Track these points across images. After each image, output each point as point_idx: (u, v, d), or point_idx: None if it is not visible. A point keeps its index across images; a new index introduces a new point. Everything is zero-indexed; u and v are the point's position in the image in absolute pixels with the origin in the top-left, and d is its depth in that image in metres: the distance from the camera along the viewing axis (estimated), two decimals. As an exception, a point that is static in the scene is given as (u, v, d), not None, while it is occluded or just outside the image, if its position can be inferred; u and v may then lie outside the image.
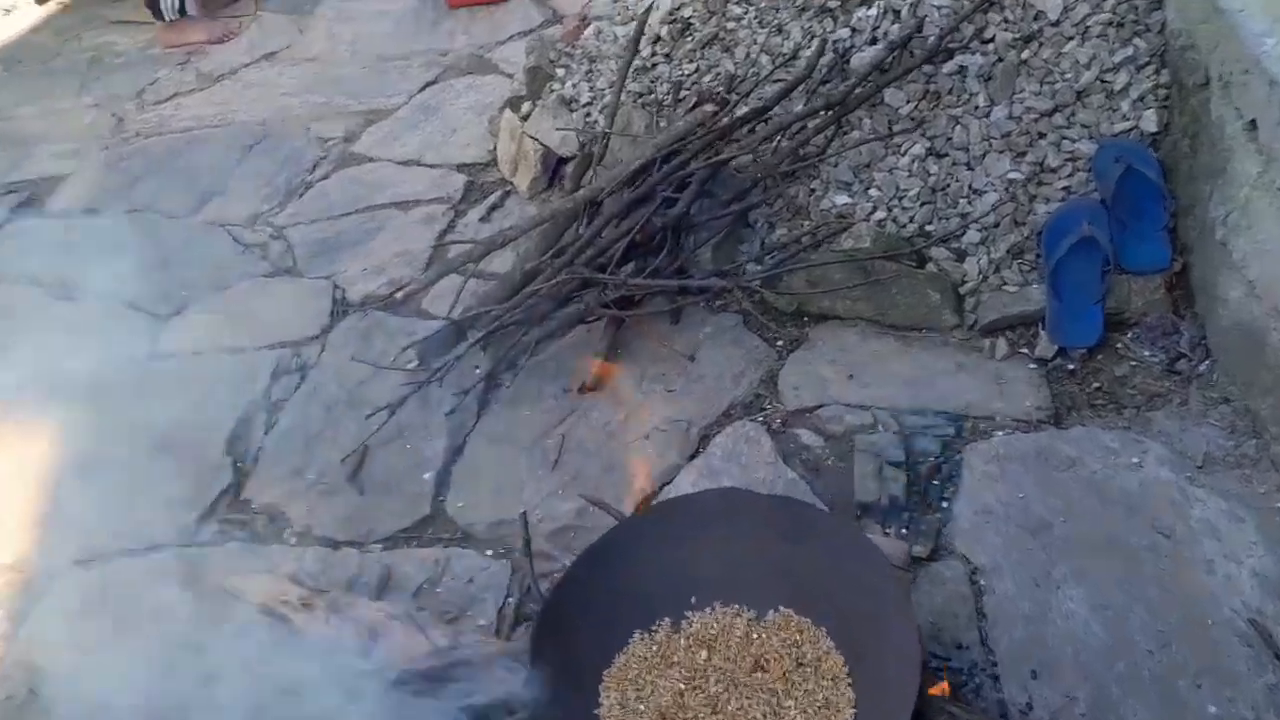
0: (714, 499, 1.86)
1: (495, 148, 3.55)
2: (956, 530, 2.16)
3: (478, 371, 2.66)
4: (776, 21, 3.11)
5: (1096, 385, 2.44)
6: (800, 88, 2.82)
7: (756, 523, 1.76)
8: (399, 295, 2.78)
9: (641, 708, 1.62)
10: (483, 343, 2.65)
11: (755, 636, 1.70)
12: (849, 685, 1.60)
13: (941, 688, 1.58)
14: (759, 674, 1.64)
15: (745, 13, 3.17)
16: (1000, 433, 2.36)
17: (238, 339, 2.97)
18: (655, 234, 2.64)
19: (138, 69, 4.71)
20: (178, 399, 2.78)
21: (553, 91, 3.40)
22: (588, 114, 3.30)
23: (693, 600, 1.77)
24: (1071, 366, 2.49)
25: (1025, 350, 2.55)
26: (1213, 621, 1.90)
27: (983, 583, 2.05)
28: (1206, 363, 2.39)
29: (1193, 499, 2.12)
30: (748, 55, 3.09)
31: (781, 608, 1.73)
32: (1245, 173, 2.26)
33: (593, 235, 2.58)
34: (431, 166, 3.59)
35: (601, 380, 2.57)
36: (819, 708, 1.57)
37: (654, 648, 1.71)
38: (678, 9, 3.29)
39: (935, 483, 2.27)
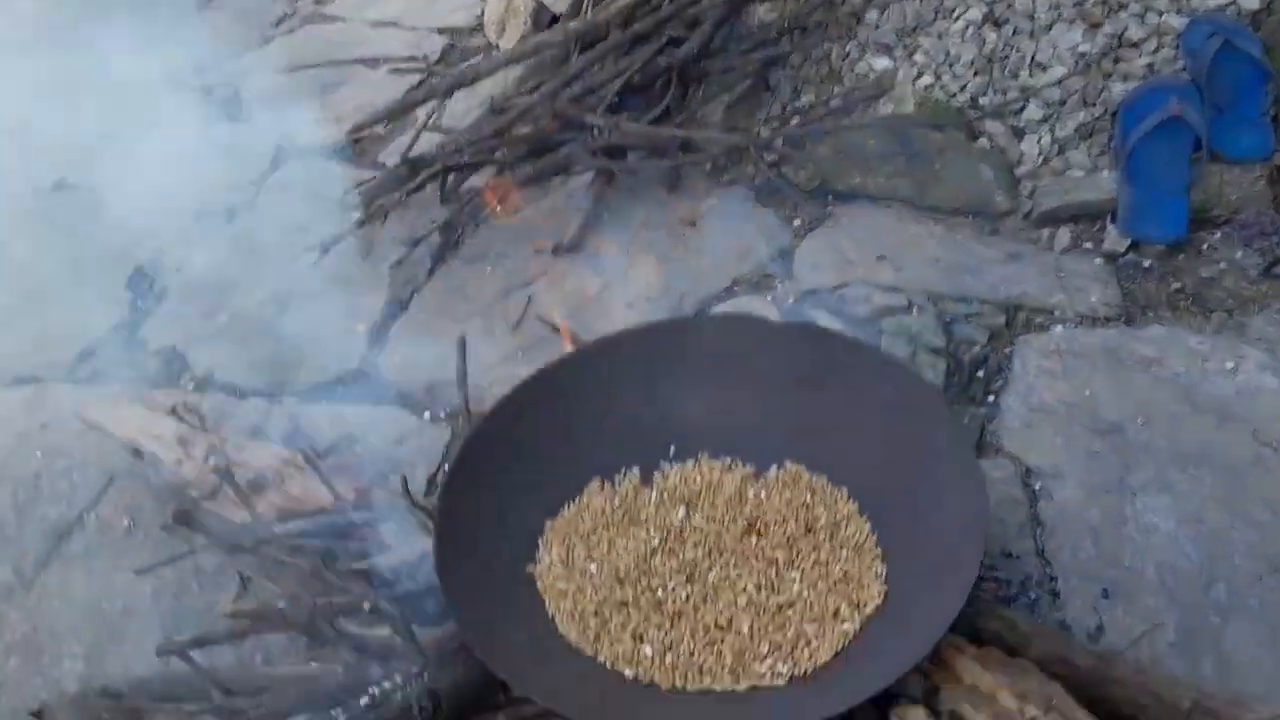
0: (710, 326, 1.44)
1: (483, 12, 3.12)
2: (1005, 428, 1.73)
3: (433, 223, 2.22)
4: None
5: (1177, 286, 2.01)
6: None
7: (765, 358, 1.33)
8: (349, 136, 2.33)
9: (593, 568, 1.18)
10: (441, 190, 2.21)
11: (751, 495, 1.26)
12: (877, 558, 1.16)
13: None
14: (753, 539, 1.20)
15: None
16: (1060, 327, 1.93)
17: (160, 178, 2.52)
18: (658, 76, 2.21)
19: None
20: (80, 231, 2.34)
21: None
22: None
23: (671, 450, 1.33)
24: (1147, 263, 2.07)
25: (1091, 244, 2.12)
26: (1337, 548, 1.47)
27: (1039, 487, 1.63)
28: (1312, 265, 1.97)
29: (1303, 410, 1.69)
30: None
31: (789, 463, 1.29)
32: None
33: (583, 68, 2.15)
34: (410, 29, 3.15)
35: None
36: (834, 582, 1.14)
37: (616, 500, 1.27)
38: None
39: (980, 375, 1.85)
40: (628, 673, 1.09)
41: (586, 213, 2.19)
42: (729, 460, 1.32)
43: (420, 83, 2.78)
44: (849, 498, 1.24)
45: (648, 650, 1.10)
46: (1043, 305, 1.98)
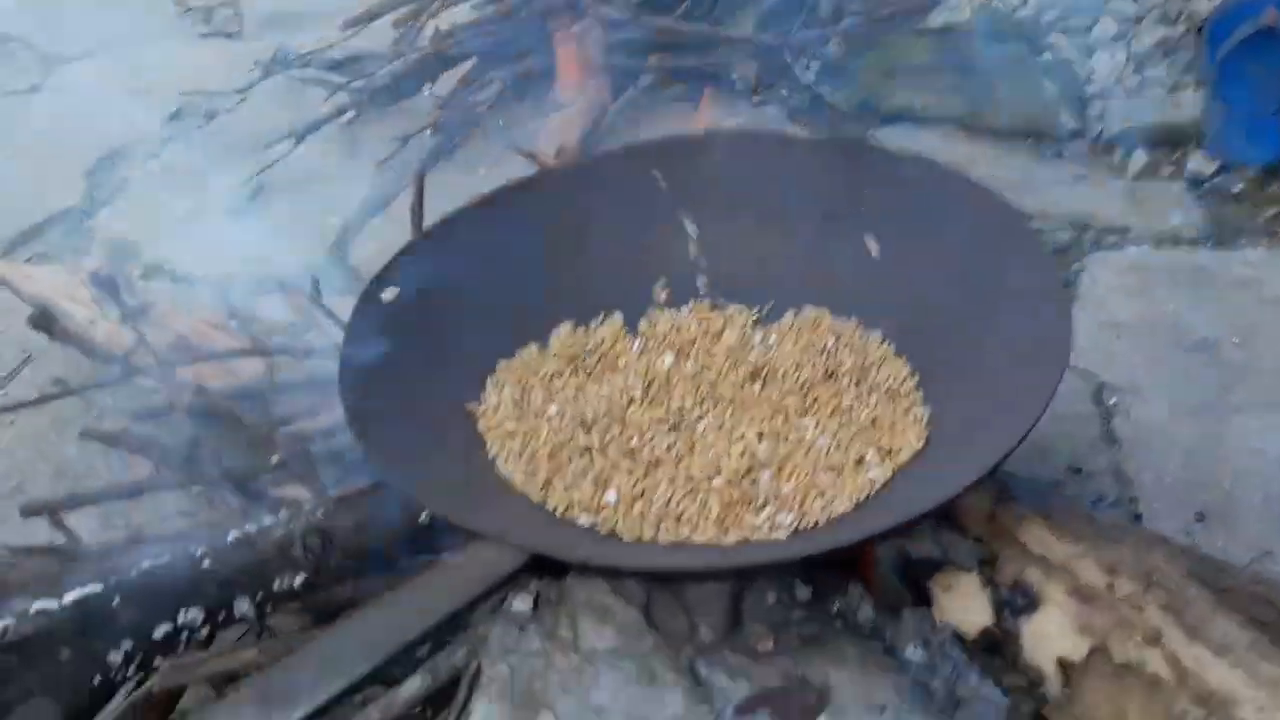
0: (716, 143, 1.17)
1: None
2: (1074, 345, 1.45)
3: (428, 122, 2.00)
4: None
5: (1275, 212, 1.73)
6: None
7: (787, 178, 1.06)
8: (344, 30, 2.13)
9: (552, 410, 0.92)
10: (432, 84, 2.00)
11: (759, 341, 1.00)
12: (917, 402, 0.90)
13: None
14: (757, 386, 0.93)
15: None
16: (1136, 247, 1.66)
17: (144, 84, 2.35)
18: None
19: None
20: (48, 127, 2.15)
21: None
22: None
23: (660, 292, 1.07)
24: (1237, 189, 1.79)
25: (1172, 169, 1.85)
26: None
27: (1114, 402, 1.35)
28: None
29: None
30: None
31: (809, 307, 1.02)
32: None
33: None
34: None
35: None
36: (859, 429, 0.87)
37: (588, 345, 1.01)
38: None
39: (1042, 288, 1.57)
40: (583, 520, 0.83)
41: (596, 120, 1.96)
42: (734, 307, 1.05)
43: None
44: (884, 340, 0.97)
45: (611, 496, 0.83)
46: (1116, 225, 1.71)
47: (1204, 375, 1.37)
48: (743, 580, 0.76)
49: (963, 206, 0.98)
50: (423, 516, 0.85)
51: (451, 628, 0.73)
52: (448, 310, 1.00)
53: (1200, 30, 1.94)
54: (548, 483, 0.86)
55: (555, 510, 0.84)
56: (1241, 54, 1.82)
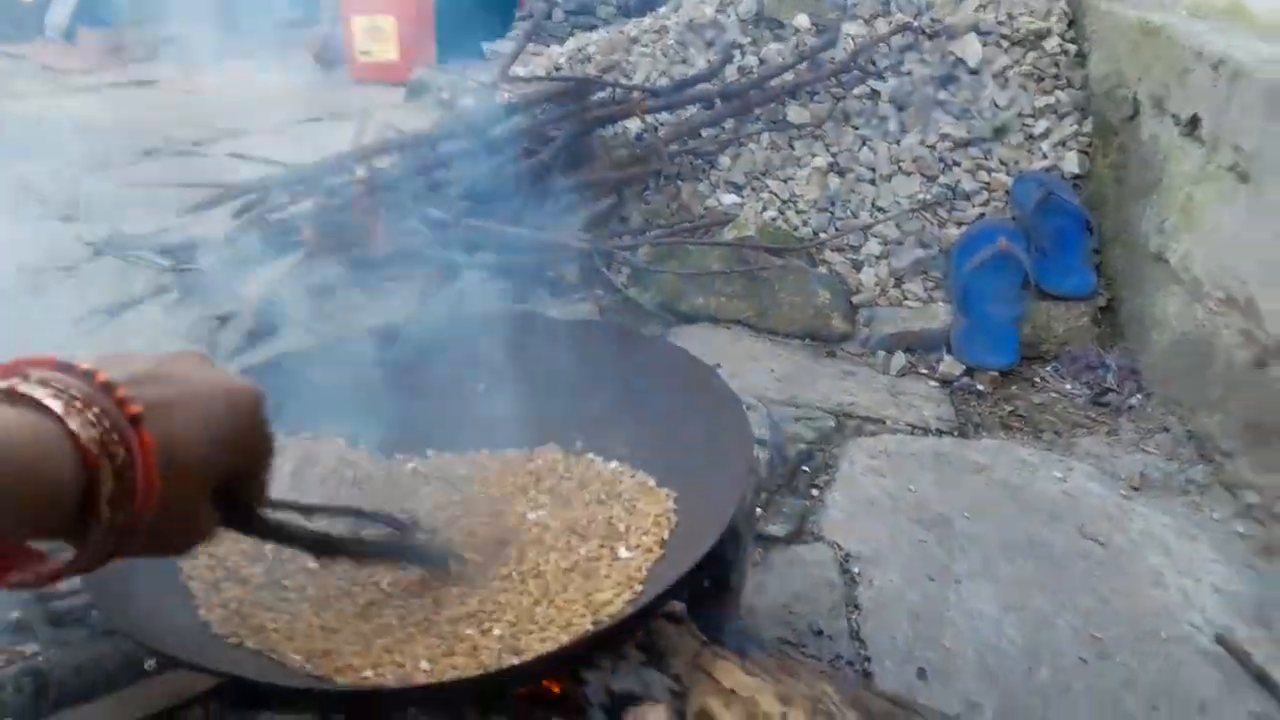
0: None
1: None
2: (828, 519, 1.60)
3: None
4: (682, 56, 2.87)
5: (1010, 409, 1.98)
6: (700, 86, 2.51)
7: (539, 351, 1.20)
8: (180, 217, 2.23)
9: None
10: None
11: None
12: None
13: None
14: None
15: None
16: (890, 435, 1.85)
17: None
18: (512, 183, 2.19)
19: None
20: None
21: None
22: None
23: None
24: (980, 388, 2.04)
25: (926, 370, 2.10)
26: (1166, 636, 1.35)
27: (858, 571, 1.48)
28: (1138, 396, 1.97)
29: (1131, 513, 1.62)
30: (647, 78, 2.82)
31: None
32: (1184, 173, 1.96)
33: (432, 166, 2.13)
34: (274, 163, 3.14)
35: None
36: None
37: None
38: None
39: (806, 469, 1.73)
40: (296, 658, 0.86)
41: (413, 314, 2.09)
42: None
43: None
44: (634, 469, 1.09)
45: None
46: (875, 415, 1.91)
47: (935, 547, 1.53)
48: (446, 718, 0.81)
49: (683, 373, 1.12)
50: (149, 664, 0.87)
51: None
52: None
53: (949, 253, 2.26)
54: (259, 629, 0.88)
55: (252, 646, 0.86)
56: (981, 272, 2.13)
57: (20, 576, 0.51)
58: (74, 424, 0.49)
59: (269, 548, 0.94)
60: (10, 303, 2.15)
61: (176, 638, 0.81)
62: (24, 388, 0.50)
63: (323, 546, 0.75)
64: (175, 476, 0.54)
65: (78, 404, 0.50)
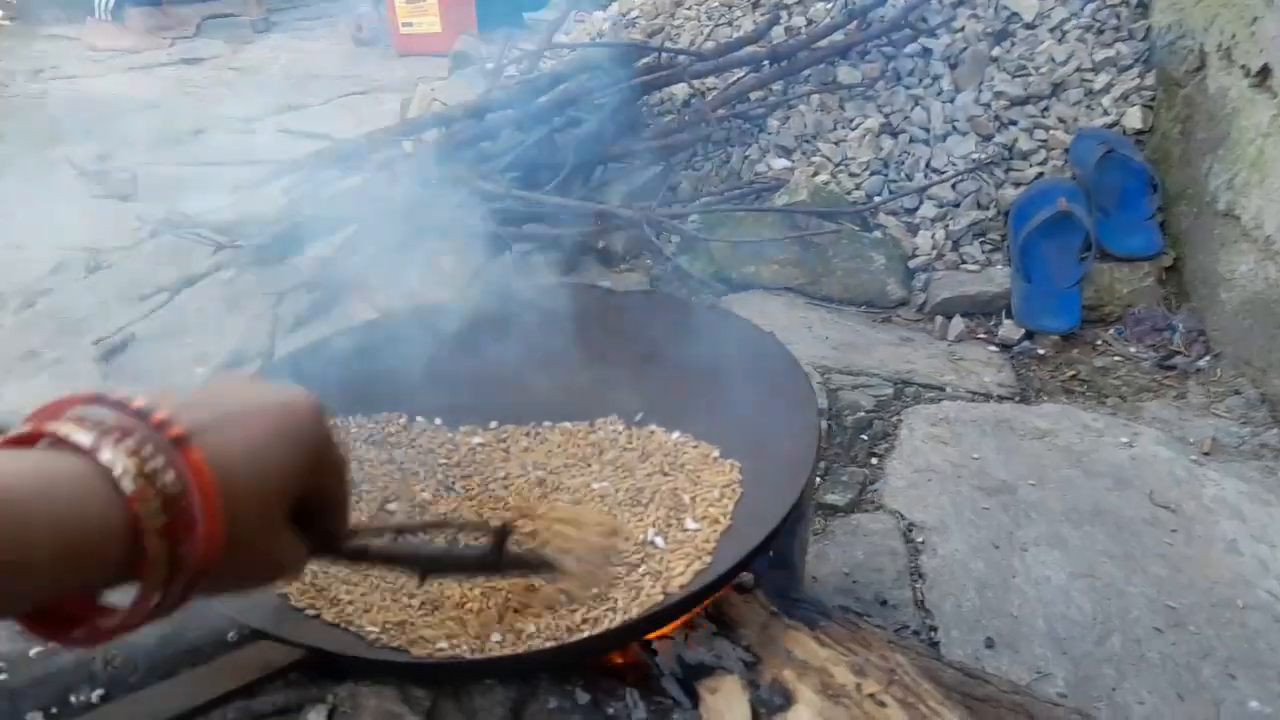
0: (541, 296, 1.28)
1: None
2: (888, 488, 1.59)
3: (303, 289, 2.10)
4: (727, 18, 2.82)
5: (1072, 373, 1.93)
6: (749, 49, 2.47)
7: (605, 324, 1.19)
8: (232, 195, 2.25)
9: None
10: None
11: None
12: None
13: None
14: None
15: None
16: (950, 401, 1.82)
17: (29, 238, 2.41)
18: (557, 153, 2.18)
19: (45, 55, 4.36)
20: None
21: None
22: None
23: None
24: (1042, 352, 2.00)
25: (985, 334, 2.06)
26: (1243, 604, 1.32)
27: (921, 540, 1.46)
28: (1207, 358, 1.91)
29: (1203, 479, 1.58)
30: (693, 41, 2.78)
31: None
32: (1255, 126, 1.89)
33: (478, 137, 2.12)
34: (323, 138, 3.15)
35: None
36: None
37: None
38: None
39: (864, 438, 1.71)
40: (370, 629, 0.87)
41: (470, 278, 2.09)
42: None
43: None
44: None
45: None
46: (934, 382, 1.88)
47: (999, 514, 1.51)
48: (521, 685, 0.81)
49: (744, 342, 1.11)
50: (231, 634, 0.89)
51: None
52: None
53: (1006, 215, 2.21)
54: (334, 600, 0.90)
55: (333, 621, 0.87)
56: (1041, 234, 2.08)
57: (82, 632, 0.46)
58: (106, 456, 0.44)
59: None
60: (72, 283, 2.19)
61: (256, 610, 0.82)
62: (51, 426, 0.45)
63: (424, 566, 0.73)
64: (241, 499, 0.48)
65: (112, 435, 0.45)
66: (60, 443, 0.44)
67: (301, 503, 0.55)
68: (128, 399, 0.47)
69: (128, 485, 0.44)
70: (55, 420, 0.45)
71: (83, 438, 0.44)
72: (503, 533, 0.73)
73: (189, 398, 0.50)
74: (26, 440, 0.45)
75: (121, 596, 0.46)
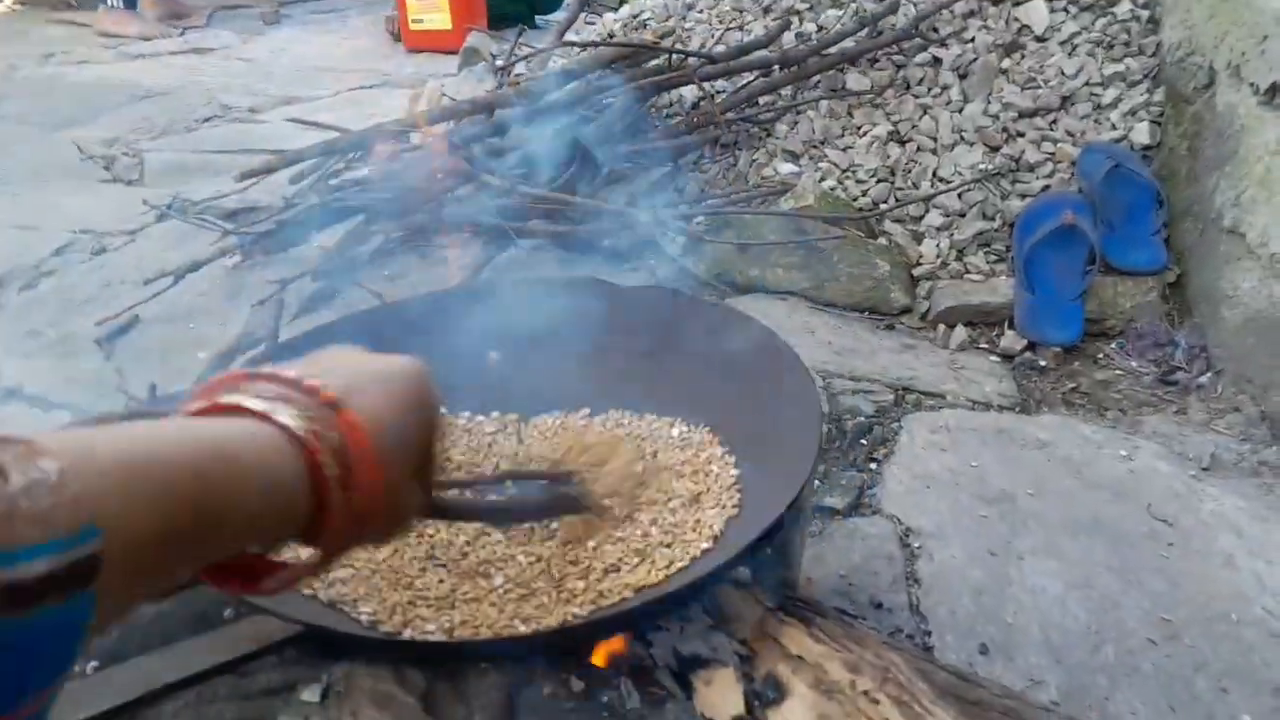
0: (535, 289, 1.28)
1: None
2: (887, 493, 1.59)
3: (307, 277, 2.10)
4: (739, 22, 2.83)
5: (1073, 386, 1.94)
6: (759, 52, 2.48)
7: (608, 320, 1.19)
8: (239, 182, 2.25)
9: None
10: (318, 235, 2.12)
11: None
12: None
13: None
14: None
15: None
16: (951, 409, 1.83)
17: (35, 219, 2.41)
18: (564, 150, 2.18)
19: (56, 40, 4.37)
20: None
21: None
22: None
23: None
24: (1043, 363, 2.00)
25: (986, 344, 2.06)
26: (1238, 619, 1.32)
27: (918, 545, 1.46)
28: (1208, 374, 1.91)
29: (1201, 494, 1.58)
30: (703, 44, 2.78)
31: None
32: (1263, 144, 1.89)
33: (486, 133, 2.12)
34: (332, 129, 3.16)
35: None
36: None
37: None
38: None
39: (864, 442, 1.71)
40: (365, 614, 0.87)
41: (474, 272, 2.10)
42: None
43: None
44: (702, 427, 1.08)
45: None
46: (935, 390, 1.88)
47: (997, 523, 1.50)
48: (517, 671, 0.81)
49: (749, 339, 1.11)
50: (227, 611, 0.89)
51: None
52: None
53: (1012, 226, 2.21)
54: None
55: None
56: (1046, 245, 2.08)
57: (273, 582, 0.50)
58: (283, 418, 0.47)
59: None
60: (78, 265, 2.19)
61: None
62: (226, 398, 0.48)
63: (501, 516, 0.75)
64: (388, 453, 0.52)
65: (279, 401, 0.48)
66: (237, 411, 0.48)
67: (420, 457, 0.59)
68: (279, 372, 0.51)
69: (309, 440, 0.48)
70: (225, 393, 0.49)
71: (258, 404, 0.48)
72: (565, 479, 0.76)
73: (317, 365, 0.54)
74: (203, 413, 0.48)
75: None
